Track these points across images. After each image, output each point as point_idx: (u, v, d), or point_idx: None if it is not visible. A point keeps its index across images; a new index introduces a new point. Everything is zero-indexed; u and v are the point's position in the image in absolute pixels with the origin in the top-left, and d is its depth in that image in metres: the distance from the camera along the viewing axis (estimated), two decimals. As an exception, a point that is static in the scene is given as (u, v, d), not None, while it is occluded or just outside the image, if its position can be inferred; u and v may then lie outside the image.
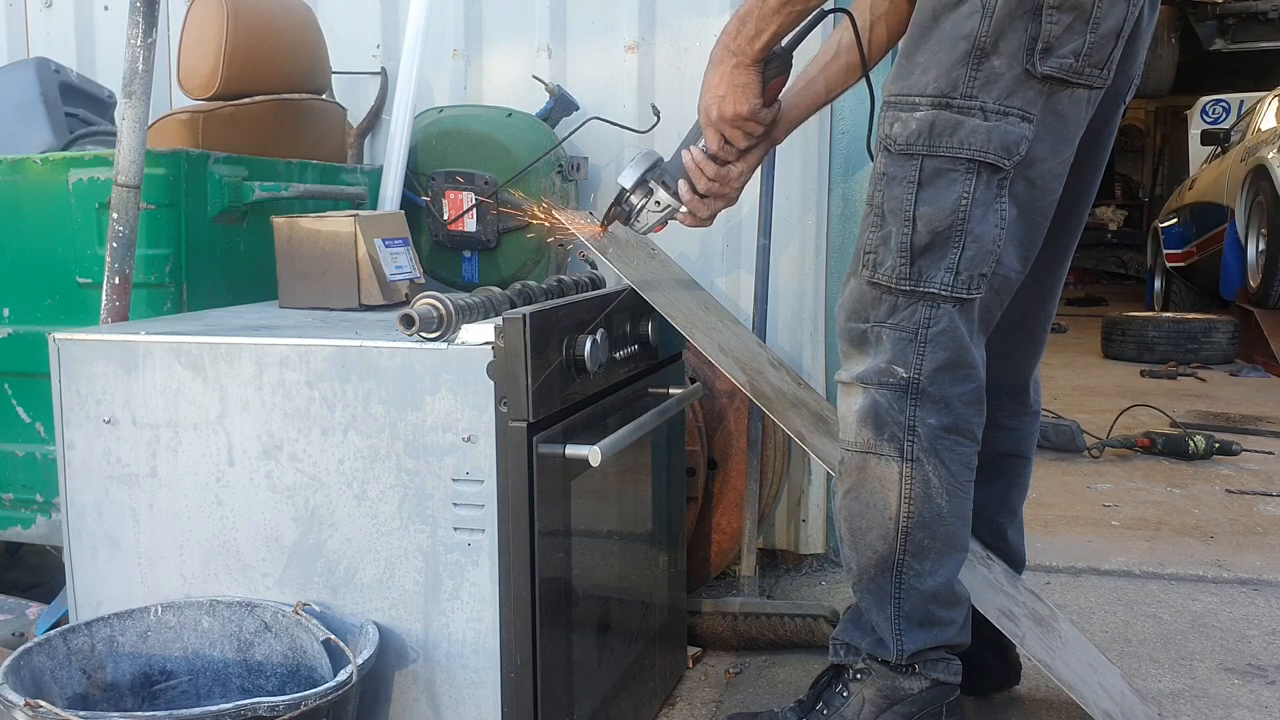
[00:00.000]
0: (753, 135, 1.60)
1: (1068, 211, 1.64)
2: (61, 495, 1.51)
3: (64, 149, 2.16)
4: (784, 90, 1.64)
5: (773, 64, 1.55)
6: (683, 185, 1.64)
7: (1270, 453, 3.82)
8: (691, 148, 1.63)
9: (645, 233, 1.70)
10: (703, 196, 1.65)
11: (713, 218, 1.70)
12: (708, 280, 2.49)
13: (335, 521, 1.41)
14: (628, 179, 1.64)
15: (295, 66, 2.17)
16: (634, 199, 1.65)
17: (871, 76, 1.67)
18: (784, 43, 1.55)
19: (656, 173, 1.65)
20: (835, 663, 1.64)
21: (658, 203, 1.65)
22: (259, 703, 1.17)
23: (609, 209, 1.67)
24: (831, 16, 1.87)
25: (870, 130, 1.72)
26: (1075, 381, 5.55)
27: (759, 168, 2.26)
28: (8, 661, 1.27)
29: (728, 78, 1.54)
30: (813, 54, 1.74)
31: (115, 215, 1.62)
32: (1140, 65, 1.60)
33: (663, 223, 1.68)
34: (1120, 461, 3.75)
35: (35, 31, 2.88)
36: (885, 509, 1.52)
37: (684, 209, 1.66)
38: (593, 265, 2.24)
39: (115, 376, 1.47)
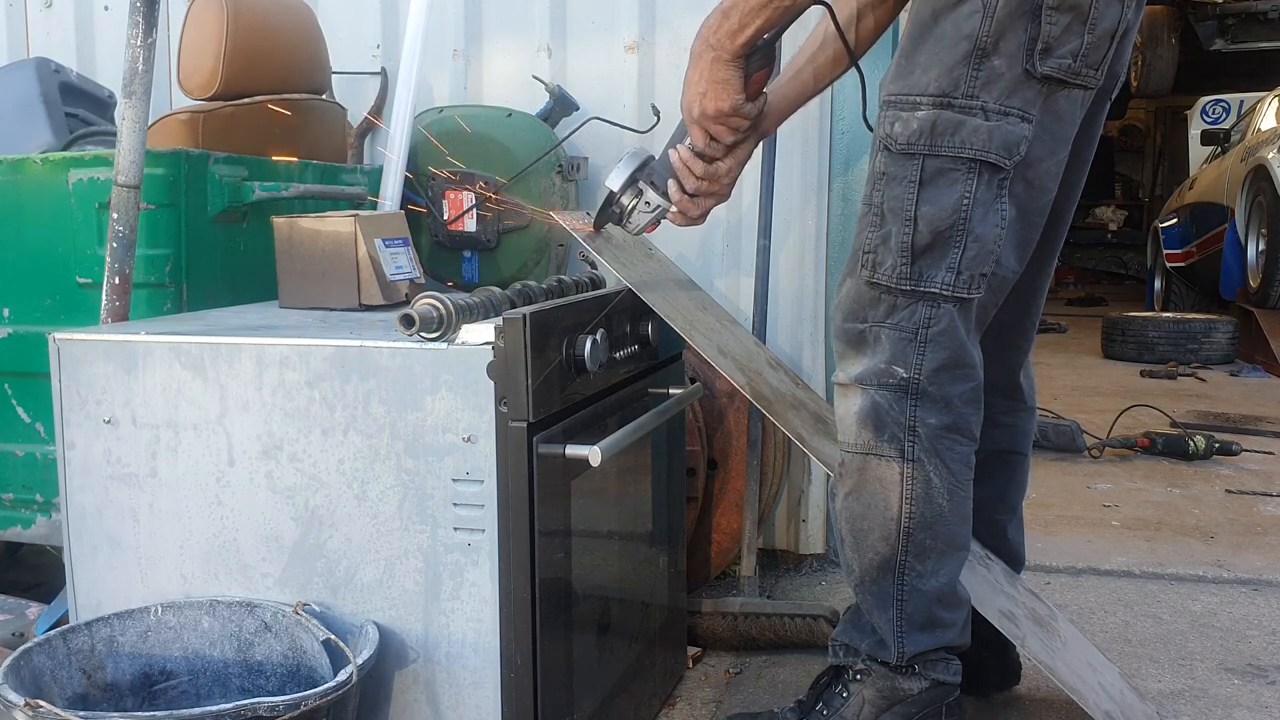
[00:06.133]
0: (738, 131, 1.57)
1: (1059, 209, 1.64)
2: (61, 495, 1.51)
3: (64, 149, 2.16)
4: (772, 81, 1.61)
5: (755, 58, 1.51)
6: (672, 185, 1.61)
7: (1270, 453, 3.81)
8: (678, 146, 1.60)
9: (638, 234, 1.69)
10: (692, 195, 1.62)
11: (705, 216, 1.68)
12: (707, 281, 2.49)
13: (335, 521, 1.41)
14: (615, 181, 1.61)
15: (295, 66, 2.17)
16: (624, 200, 1.63)
17: (862, 64, 1.66)
18: (765, 35, 1.50)
19: (645, 173, 1.62)
20: (835, 664, 1.64)
21: (648, 203, 1.63)
22: (259, 703, 1.17)
23: (600, 211, 1.65)
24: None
25: (864, 106, 1.71)
26: (1075, 381, 5.55)
27: (757, 165, 2.29)
28: (8, 661, 1.27)
29: (707, 74, 1.50)
30: (800, 42, 1.73)
31: (115, 215, 1.62)
32: (1126, 64, 1.60)
33: (655, 223, 1.66)
34: (1120, 461, 3.75)
35: (35, 31, 2.88)
36: (887, 510, 1.52)
37: (674, 209, 1.65)
38: (593, 265, 2.24)
39: (115, 376, 1.47)
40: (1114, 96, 1.65)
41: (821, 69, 1.70)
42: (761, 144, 1.92)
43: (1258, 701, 1.92)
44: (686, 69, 1.53)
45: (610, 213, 1.65)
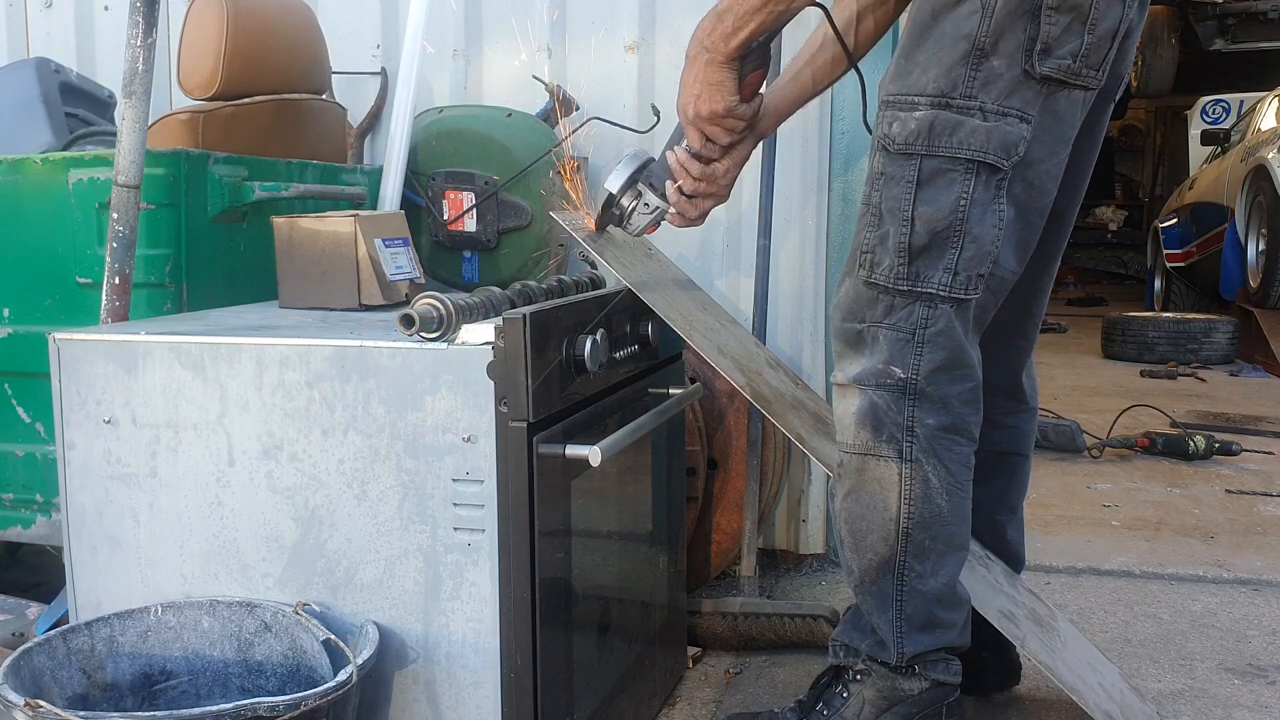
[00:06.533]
0: (734, 131, 1.57)
1: (1060, 211, 1.64)
2: (61, 495, 1.51)
3: (64, 149, 2.16)
4: (771, 82, 1.61)
5: (750, 59, 1.51)
6: (669, 187, 1.62)
7: (1270, 453, 3.82)
8: (675, 148, 1.60)
9: (638, 235, 1.69)
10: (690, 197, 1.62)
11: (703, 217, 1.68)
12: (707, 281, 2.49)
13: (335, 521, 1.41)
14: (614, 184, 1.62)
15: (295, 66, 2.17)
16: (624, 202, 1.64)
17: (862, 66, 1.66)
18: (760, 38, 1.50)
19: (644, 175, 1.62)
20: (835, 664, 1.64)
21: (647, 205, 1.63)
22: (259, 703, 1.17)
23: (600, 213, 1.66)
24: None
25: (864, 108, 1.71)
26: (1075, 381, 5.55)
27: (757, 165, 2.29)
28: (8, 661, 1.27)
29: (702, 76, 1.50)
30: (800, 43, 1.73)
31: (115, 215, 1.63)
32: (1128, 64, 1.60)
33: (655, 224, 1.67)
34: (1120, 461, 3.75)
35: (35, 31, 2.88)
36: (885, 510, 1.52)
37: (673, 210, 1.65)
38: (593, 265, 2.24)
39: (115, 376, 1.47)
40: (1117, 98, 1.64)
41: (820, 71, 1.70)
42: (761, 143, 1.91)
43: (1258, 701, 1.92)
44: (682, 70, 1.53)
45: (610, 214, 1.65)
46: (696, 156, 1.59)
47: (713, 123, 1.54)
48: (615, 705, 1.64)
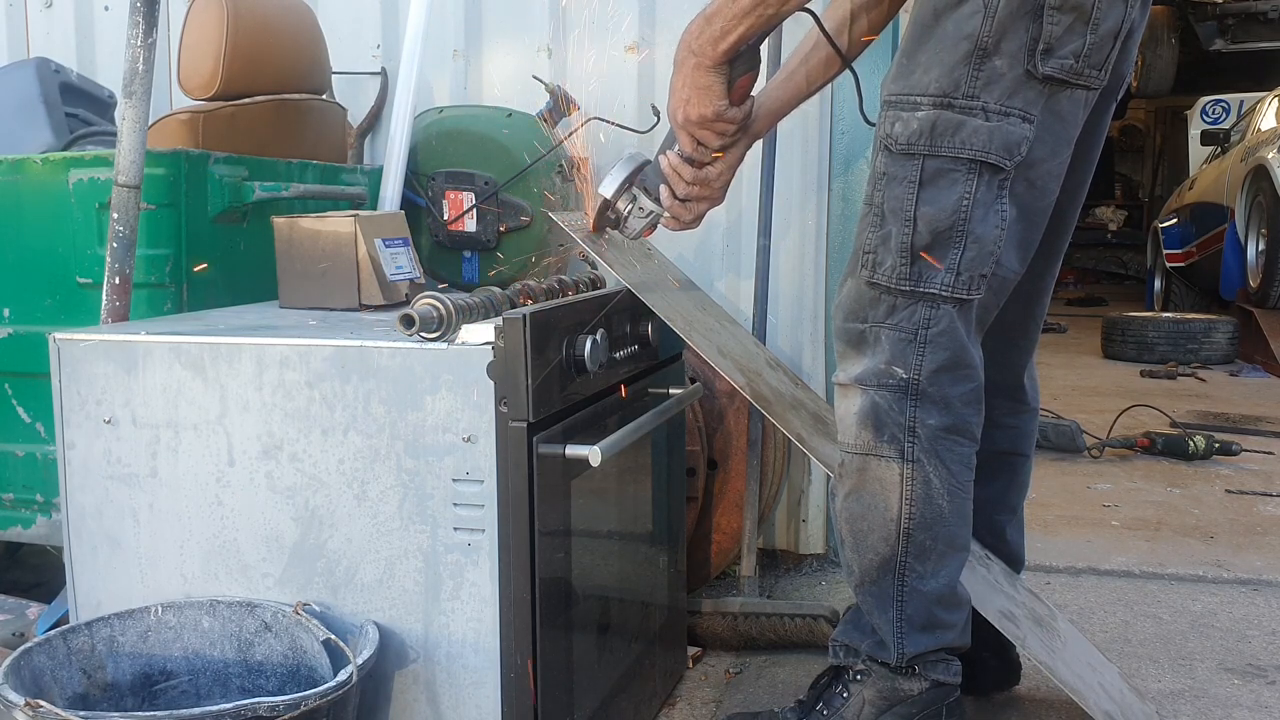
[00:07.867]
0: (725, 135, 1.56)
1: (1062, 210, 1.64)
2: (61, 495, 1.51)
3: (64, 149, 2.16)
4: (768, 83, 1.61)
5: (739, 63, 1.50)
6: (664, 190, 1.61)
7: (1270, 453, 3.81)
8: (668, 152, 1.60)
9: (634, 238, 1.69)
10: (684, 200, 1.62)
11: (698, 220, 1.68)
12: (706, 281, 2.49)
13: (335, 521, 1.41)
14: (608, 188, 1.61)
15: (295, 66, 2.17)
16: (619, 206, 1.64)
17: (859, 64, 1.66)
18: (748, 41, 1.49)
19: (639, 178, 1.62)
20: (835, 664, 1.64)
21: (641, 209, 1.63)
22: (259, 703, 1.17)
23: (595, 216, 1.66)
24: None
25: (860, 101, 1.70)
26: (1075, 381, 5.55)
27: (757, 164, 2.29)
28: (8, 661, 1.27)
29: (690, 79, 1.49)
30: (799, 41, 1.73)
31: (115, 215, 1.62)
32: (1131, 64, 1.60)
33: (651, 227, 1.67)
34: (1120, 461, 3.75)
35: (35, 31, 2.88)
36: (886, 510, 1.52)
37: (667, 214, 1.64)
38: (593, 265, 2.24)
39: (115, 376, 1.47)
40: (1119, 97, 1.64)
41: (815, 71, 1.70)
42: (761, 143, 1.91)
43: (1258, 701, 1.92)
44: (671, 75, 1.53)
45: (606, 218, 1.65)
46: (689, 160, 1.59)
47: (702, 127, 1.54)
48: (615, 705, 1.64)
